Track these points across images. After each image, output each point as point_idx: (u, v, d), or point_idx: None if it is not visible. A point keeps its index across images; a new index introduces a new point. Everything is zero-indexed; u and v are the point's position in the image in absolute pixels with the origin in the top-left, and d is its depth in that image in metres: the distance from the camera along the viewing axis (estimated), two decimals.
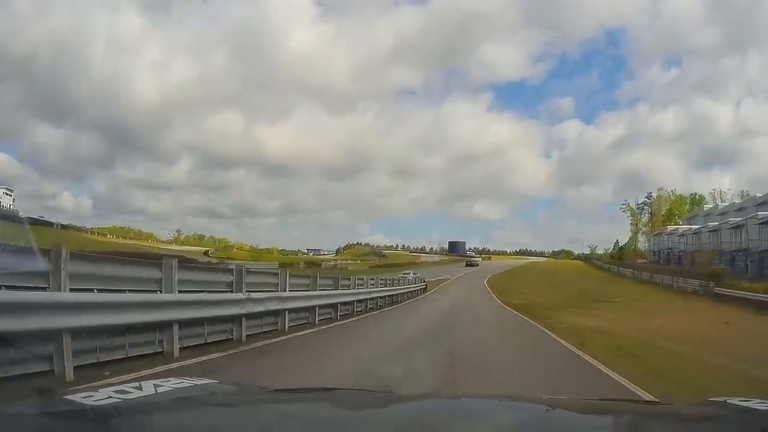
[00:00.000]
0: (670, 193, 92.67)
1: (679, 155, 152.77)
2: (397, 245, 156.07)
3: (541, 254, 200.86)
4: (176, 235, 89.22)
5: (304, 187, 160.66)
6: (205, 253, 72.20)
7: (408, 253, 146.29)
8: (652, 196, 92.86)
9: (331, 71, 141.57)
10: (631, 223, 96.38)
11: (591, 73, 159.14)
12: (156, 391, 1.31)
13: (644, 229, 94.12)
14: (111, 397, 1.18)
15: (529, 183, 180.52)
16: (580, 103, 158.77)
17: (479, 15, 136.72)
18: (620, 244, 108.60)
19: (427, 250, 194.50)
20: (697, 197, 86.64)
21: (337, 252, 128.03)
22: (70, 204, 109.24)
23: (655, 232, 77.33)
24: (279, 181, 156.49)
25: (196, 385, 1.47)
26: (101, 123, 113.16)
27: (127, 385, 1.31)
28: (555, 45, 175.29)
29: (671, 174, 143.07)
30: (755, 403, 1.39)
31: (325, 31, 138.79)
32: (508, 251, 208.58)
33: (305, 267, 50.20)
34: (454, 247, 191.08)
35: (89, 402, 1.13)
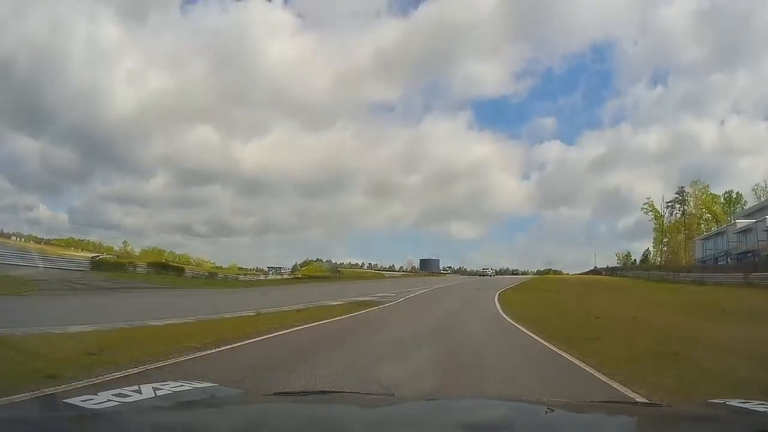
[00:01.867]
0: (703, 190, 72.44)
1: (661, 175, 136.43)
2: (363, 263, 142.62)
3: (524, 273, 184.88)
4: (122, 247, 78.71)
5: (280, 205, 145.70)
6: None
7: (372, 270, 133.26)
8: (684, 191, 72.10)
9: (309, 86, 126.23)
10: (655, 227, 75.93)
11: (575, 90, 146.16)
12: (155, 394, 1.32)
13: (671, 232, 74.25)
14: (110, 400, 1.18)
15: (507, 203, 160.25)
16: (562, 121, 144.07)
17: (462, 29, 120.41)
18: (648, 253, 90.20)
19: (397, 268, 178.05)
20: (734, 195, 69.40)
21: (294, 269, 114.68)
22: (46, 217, 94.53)
23: (709, 232, 57.48)
24: (254, 198, 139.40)
25: (196, 388, 1.48)
26: (78, 135, 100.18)
27: (127, 388, 1.32)
28: (539, 61, 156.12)
29: (653, 194, 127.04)
30: (754, 405, 1.42)
31: (304, 44, 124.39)
32: (489, 272, 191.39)
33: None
34: (427, 265, 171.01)
35: (89, 405, 1.14)
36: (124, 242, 78.08)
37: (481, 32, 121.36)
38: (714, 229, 60.62)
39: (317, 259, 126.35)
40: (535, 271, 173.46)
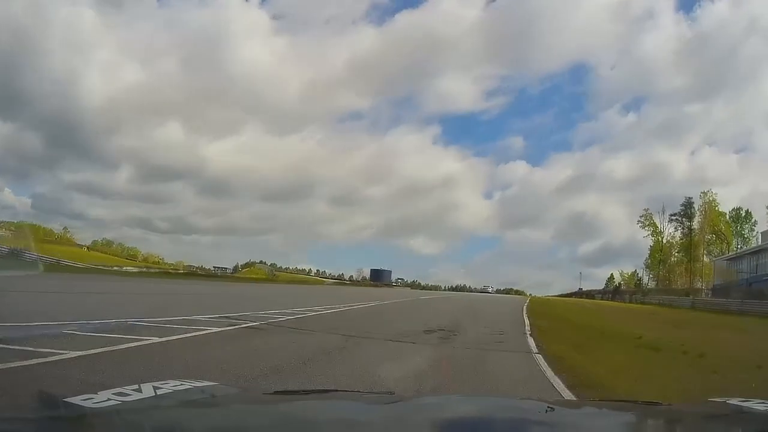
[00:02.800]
0: (713, 203, 60.54)
1: (626, 202, 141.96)
2: (311, 270, 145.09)
3: (483, 291, 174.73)
4: (62, 233, 75.02)
5: (243, 208, 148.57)
6: None
7: (316, 277, 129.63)
8: (692, 204, 59.75)
9: (280, 89, 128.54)
10: (652, 244, 63.29)
11: (546, 111, 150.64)
12: (155, 393, 1.31)
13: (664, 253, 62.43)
14: (110, 399, 1.17)
15: (468, 221, 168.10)
16: (531, 142, 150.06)
17: (438, 43, 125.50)
18: (616, 279, 78.43)
19: (347, 277, 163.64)
20: (743, 213, 58.13)
21: (235, 269, 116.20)
22: (11, 201, 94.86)
23: (741, 251, 45.77)
24: (218, 199, 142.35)
25: (196, 387, 1.48)
26: (47, 121, 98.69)
27: (127, 387, 1.30)
28: (513, 80, 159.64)
29: (617, 221, 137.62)
30: (755, 404, 1.42)
31: (278, 46, 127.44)
32: (442, 287, 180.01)
33: None
34: (378, 276, 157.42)
35: (89, 404, 1.13)
36: (65, 228, 74.62)
37: (457, 47, 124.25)
38: (744, 247, 47.97)
39: (260, 261, 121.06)
40: (496, 290, 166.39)
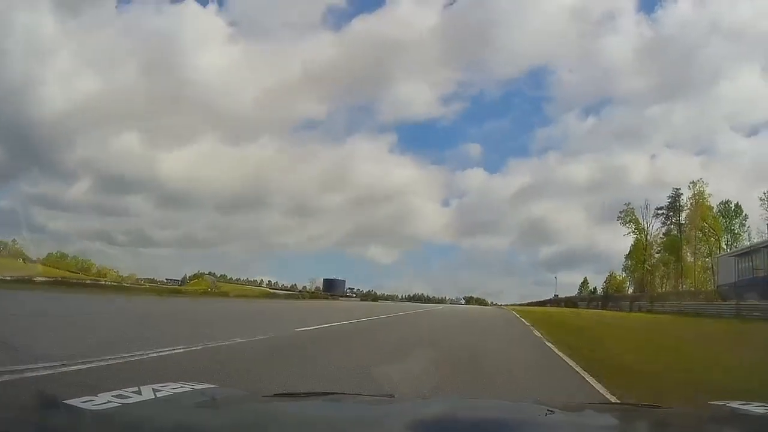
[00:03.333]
0: (701, 195, 54.87)
1: (585, 207, 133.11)
2: (262, 280, 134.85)
3: (441, 301, 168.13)
4: (11, 244, 63.59)
5: (201, 219, 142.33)
6: None
7: (268, 288, 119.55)
8: (680, 195, 53.92)
9: (236, 97, 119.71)
10: (634, 242, 57.14)
11: (505, 116, 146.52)
12: (155, 396, 1.30)
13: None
14: (110, 401, 1.17)
15: (426, 229, 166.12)
16: (488, 148, 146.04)
17: (395, 48, 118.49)
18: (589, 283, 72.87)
19: (300, 287, 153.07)
20: (733, 207, 53.60)
21: (183, 281, 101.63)
22: None
23: (745, 247, 38.98)
24: (175, 210, 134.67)
25: (196, 390, 1.47)
26: (2, 131, 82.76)
27: (126, 389, 1.29)
28: (471, 85, 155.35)
29: (577, 226, 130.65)
30: (755, 407, 1.41)
31: (234, 53, 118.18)
32: (399, 296, 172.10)
33: None
34: (331, 286, 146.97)
35: (89, 407, 1.13)
36: (13, 240, 65.54)
37: (414, 52, 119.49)
38: (736, 245, 42.10)
39: (210, 272, 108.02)
40: (455, 297, 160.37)
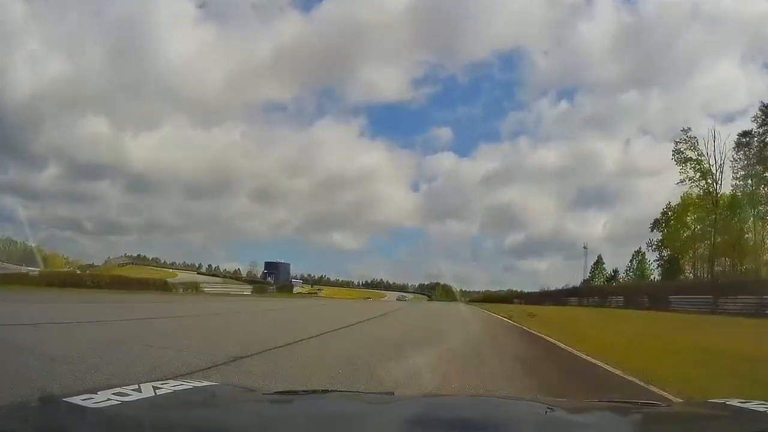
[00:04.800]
0: None
1: (555, 193, 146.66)
2: (213, 266, 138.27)
3: (404, 288, 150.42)
4: None
5: (167, 205, 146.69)
6: None
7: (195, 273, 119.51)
8: None
9: (203, 80, 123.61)
10: (684, 195, 38.56)
11: (476, 100, 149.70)
12: (155, 393, 1.29)
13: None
14: (110, 399, 1.16)
15: (393, 214, 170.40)
16: (459, 132, 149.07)
17: (364, 30, 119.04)
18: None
19: (244, 274, 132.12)
20: None
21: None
22: None
23: None
24: (142, 196, 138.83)
25: (196, 387, 1.47)
26: None
27: (127, 387, 1.28)
28: (442, 67, 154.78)
29: (545, 212, 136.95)
30: (754, 404, 1.40)
31: (202, 36, 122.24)
32: (356, 282, 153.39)
33: None
34: (274, 270, 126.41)
35: (89, 404, 1.11)
36: None
37: (383, 34, 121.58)
38: None
39: (138, 255, 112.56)
40: (417, 285, 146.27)
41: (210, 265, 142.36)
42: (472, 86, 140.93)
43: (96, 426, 1.07)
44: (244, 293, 46.38)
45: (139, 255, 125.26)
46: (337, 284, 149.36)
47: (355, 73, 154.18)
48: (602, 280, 58.88)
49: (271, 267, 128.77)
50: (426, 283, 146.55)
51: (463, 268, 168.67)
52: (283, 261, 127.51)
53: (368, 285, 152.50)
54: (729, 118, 76.14)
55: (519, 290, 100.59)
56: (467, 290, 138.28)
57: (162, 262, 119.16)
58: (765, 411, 1.34)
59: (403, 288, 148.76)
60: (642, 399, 1.94)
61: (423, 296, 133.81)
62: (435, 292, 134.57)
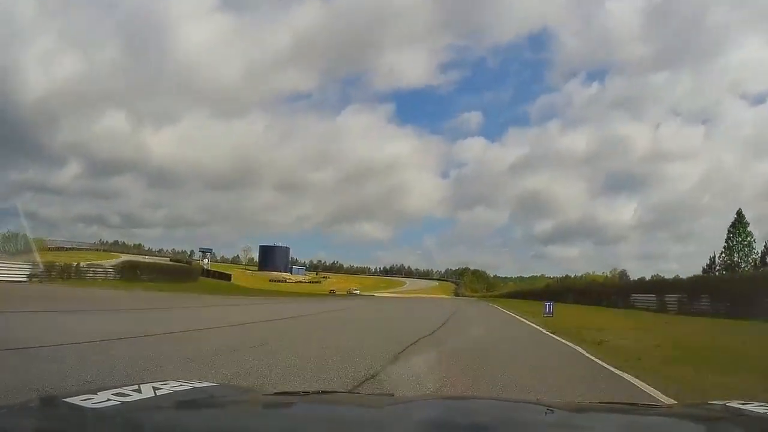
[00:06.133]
0: None
1: (584, 178, 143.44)
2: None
3: (427, 275, 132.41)
4: None
5: (190, 198, 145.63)
6: None
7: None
8: None
9: (223, 72, 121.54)
10: None
11: (505, 83, 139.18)
12: (155, 394, 1.29)
13: None
14: (110, 399, 1.16)
15: (420, 202, 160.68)
16: (488, 117, 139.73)
17: (389, 13, 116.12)
18: None
19: (245, 261, 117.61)
20: None
21: None
22: None
23: None
24: (165, 190, 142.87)
25: (196, 388, 1.46)
26: None
27: (126, 387, 1.28)
28: (470, 50, 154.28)
29: (574, 198, 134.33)
30: (754, 406, 1.42)
31: (221, 26, 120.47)
32: (372, 268, 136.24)
33: None
34: (269, 256, 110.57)
35: (88, 404, 1.11)
36: None
37: (409, 17, 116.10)
38: None
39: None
40: (444, 271, 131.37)
41: (213, 253, 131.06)
42: (500, 69, 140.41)
43: (96, 426, 1.05)
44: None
45: (116, 241, 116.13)
46: (350, 271, 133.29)
47: (381, 58, 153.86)
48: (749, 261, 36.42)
49: (268, 252, 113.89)
50: (453, 269, 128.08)
51: (491, 255, 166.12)
52: (281, 245, 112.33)
53: (387, 272, 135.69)
54: (760, 99, 64.34)
55: (560, 277, 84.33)
56: (498, 276, 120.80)
57: (147, 249, 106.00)
58: (765, 413, 1.35)
59: (426, 275, 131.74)
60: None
61: (449, 284, 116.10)
62: (462, 279, 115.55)
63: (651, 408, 1.66)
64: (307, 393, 1.71)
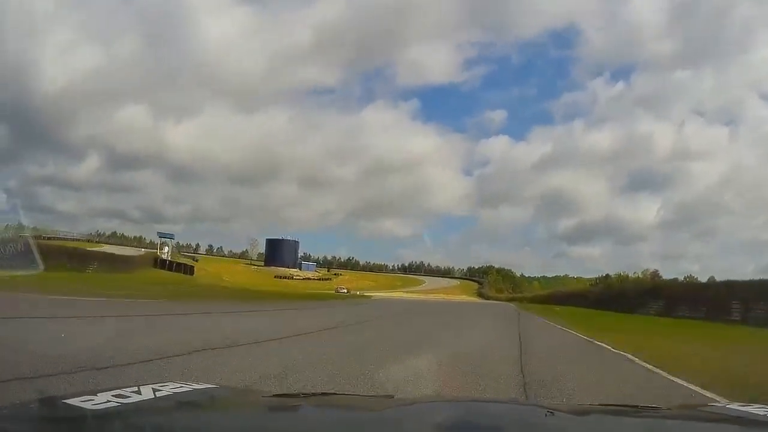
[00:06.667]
0: None
1: (608, 177, 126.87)
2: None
3: (448, 273, 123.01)
4: None
5: (211, 193, 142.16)
6: None
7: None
8: None
9: (244, 65, 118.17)
10: None
11: (529, 81, 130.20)
12: (155, 395, 1.29)
13: None
14: (110, 401, 1.15)
15: (444, 201, 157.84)
16: (512, 115, 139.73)
17: (411, 8, 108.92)
18: None
19: (255, 257, 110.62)
20: None
21: None
22: None
23: None
24: (186, 184, 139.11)
25: (195, 389, 1.47)
26: (7, 111, 78.26)
27: (126, 389, 1.27)
28: (494, 46, 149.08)
29: (597, 197, 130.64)
30: (755, 408, 1.44)
31: (242, 19, 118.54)
32: (389, 266, 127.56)
33: None
34: (276, 251, 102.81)
35: (88, 406, 1.11)
36: None
37: (434, 12, 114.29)
38: None
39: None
40: (466, 270, 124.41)
41: (220, 248, 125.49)
42: (525, 66, 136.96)
43: (95, 428, 1.05)
44: None
45: (115, 233, 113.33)
46: (366, 268, 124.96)
47: (405, 54, 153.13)
48: None
49: (275, 246, 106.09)
50: (476, 267, 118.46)
51: (512, 254, 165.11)
52: (290, 238, 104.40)
53: (405, 269, 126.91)
54: None
55: (598, 277, 76.53)
56: (527, 276, 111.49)
57: (147, 240, 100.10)
58: (765, 415, 1.35)
59: (447, 273, 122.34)
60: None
61: (471, 283, 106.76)
62: (487, 278, 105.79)
63: (652, 410, 1.62)
64: (306, 395, 1.71)
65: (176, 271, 46.76)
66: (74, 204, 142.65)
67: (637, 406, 1.69)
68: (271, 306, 20.07)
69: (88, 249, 39.45)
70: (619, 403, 2.05)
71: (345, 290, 66.01)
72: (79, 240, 71.78)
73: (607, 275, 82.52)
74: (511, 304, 48.64)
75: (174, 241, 73.49)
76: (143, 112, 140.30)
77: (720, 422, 1.40)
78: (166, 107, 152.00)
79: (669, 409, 1.81)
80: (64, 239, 66.77)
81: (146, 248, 72.18)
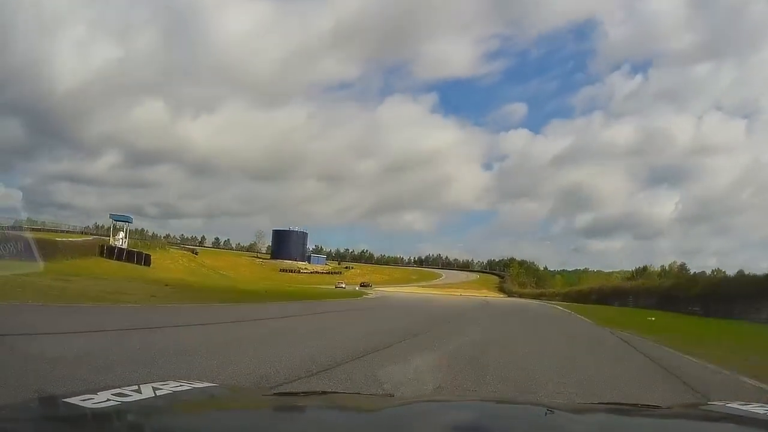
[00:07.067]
0: None
1: (626, 171, 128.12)
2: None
3: (467, 266, 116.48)
4: None
5: (227, 189, 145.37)
6: None
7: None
8: None
9: (262, 60, 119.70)
10: None
11: (548, 74, 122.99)
12: (155, 394, 1.29)
13: None
14: (110, 400, 1.16)
15: (464, 195, 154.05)
16: (532, 108, 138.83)
17: (430, 1, 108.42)
18: None
19: (264, 249, 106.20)
20: None
21: None
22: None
23: None
24: (203, 180, 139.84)
25: (195, 388, 1.46)
26: (23, 107, 66.74)
27: (126, 388, 1.27)
28: (514, 40, 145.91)
29: (616, 191, 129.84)
30: (755, 407, 1.44)
31: (258, 13, 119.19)
32: (405, 259, 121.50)
33: None
34: (283, 243, 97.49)
35: (88, 405, 1.11)
36: None
37: (452, 4, 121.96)
38: None
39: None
40: (486, 263, 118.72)
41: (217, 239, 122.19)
42: (544, 60, 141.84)
43: (95, 427, 1.06)
44: None
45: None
46: (381, 261, 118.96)
47: (424, 47, 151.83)
48: None
49: (282, 237, 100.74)
50: (496, 260, 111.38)
51: (531, 248, 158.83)
52: (297, 229, 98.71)
53: (421, 262, 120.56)
54: None
55: (636, 270, 70.23)
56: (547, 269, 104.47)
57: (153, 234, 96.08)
58: (765, 413, 1.36)
59: (465, 266, 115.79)
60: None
61: (492, 277, 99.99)
62: (509, 271, 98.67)
63: (651, 409, 1.64)
64: (307, 393, 1.71)
65: (127, 261, 41.11)
66: (91, 200, 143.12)
67: (637, 405, 1.67)
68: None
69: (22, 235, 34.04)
70: (618, 402, 1.94)
71: (344, 285, 61.39)
72: (74, 233, 68.03)
73: (645, 267, 76.42)
74: (554, 306, 38.51)
75: (179, 234, 67.37)
76: (159, 109, 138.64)
77: (720, 421, 1.40)
78: (182, 103, 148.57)
79: (669, 408, 1.78)
80: (62, 231, 63.18)
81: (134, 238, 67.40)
